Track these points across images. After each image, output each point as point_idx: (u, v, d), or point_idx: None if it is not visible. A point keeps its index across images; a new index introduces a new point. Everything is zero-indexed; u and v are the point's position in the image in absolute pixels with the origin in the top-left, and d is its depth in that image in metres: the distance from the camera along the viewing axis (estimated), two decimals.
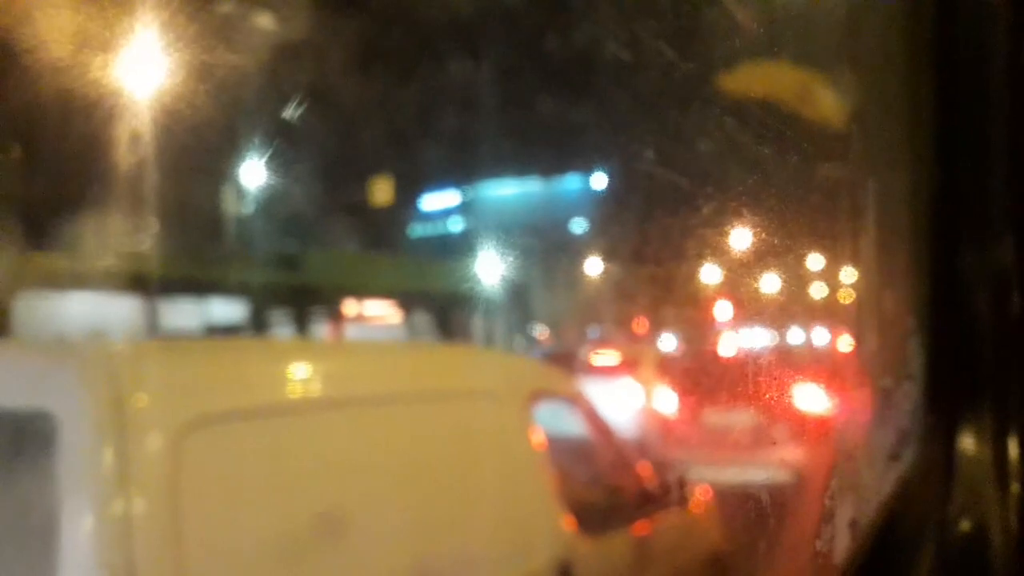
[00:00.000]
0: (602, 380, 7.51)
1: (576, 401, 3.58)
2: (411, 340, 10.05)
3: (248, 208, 10.51)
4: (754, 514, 3.76)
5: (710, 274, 10.45)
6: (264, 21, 7.82)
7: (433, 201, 27.01)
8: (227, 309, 8.55)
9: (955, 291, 1.57)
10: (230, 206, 10.27)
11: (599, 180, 24.45)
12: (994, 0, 1.54)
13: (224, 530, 1.94)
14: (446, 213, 26.43)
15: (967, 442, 1.51)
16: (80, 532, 1.75)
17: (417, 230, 25.32)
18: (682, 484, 3.76)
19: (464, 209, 26.48)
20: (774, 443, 6.16)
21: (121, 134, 6.29)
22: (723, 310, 12.63)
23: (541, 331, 14.75)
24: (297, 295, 9.22)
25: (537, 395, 3.06)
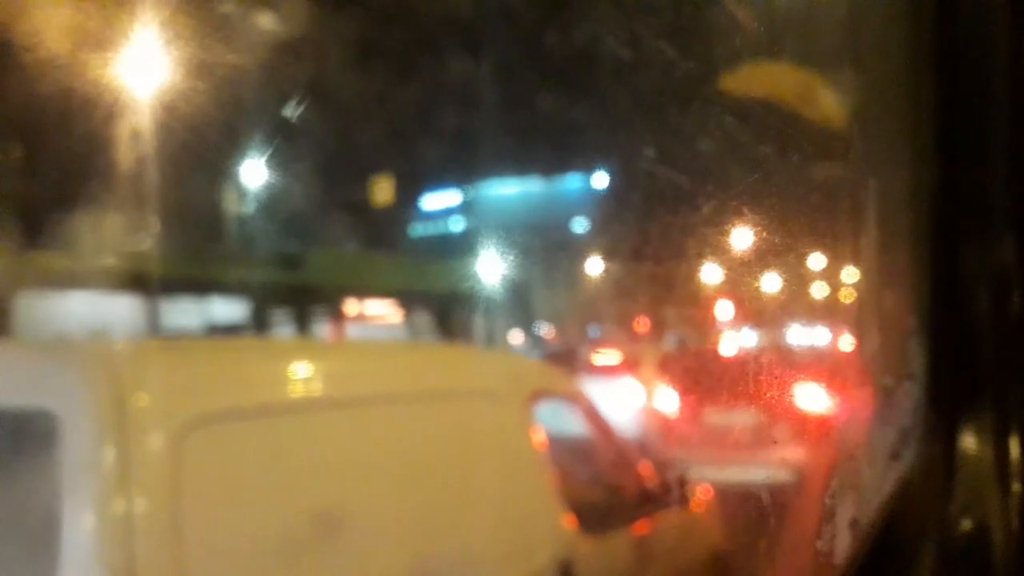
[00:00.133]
0: (603, 379, 7.52)
1: (577, 400, 3.58)
2: (412, 340, 10.05)
3: (249, 207, 10.52)
4: (755, 513, 3.76)
5: (711, 273, 10.46)
6: (265, 20, 7.82)
7: (434, 200, 27.02)
8: (228, 308, 8.55)
9: (956, 290, 1.57)
10: (231, 205, 10.27)
11: (600, 179, 24.46)
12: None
13: (225, 529, 1.94)
14: (447, 212, 26.43)
15: (968, 441, 1.51)
16: (81, 531, 1.75)
17: (418, 229, 25.32)
18: (683, 483, 3.76)
19: (465, 208, 26.49)
20: (775, 442, 6.16)
21: (122, 133, 6.29)
22: (724, 309, 12.64)
23: (547, 330, 14.75)
24: (298, 294, 9.22)
25: (538, 395, 3.06)
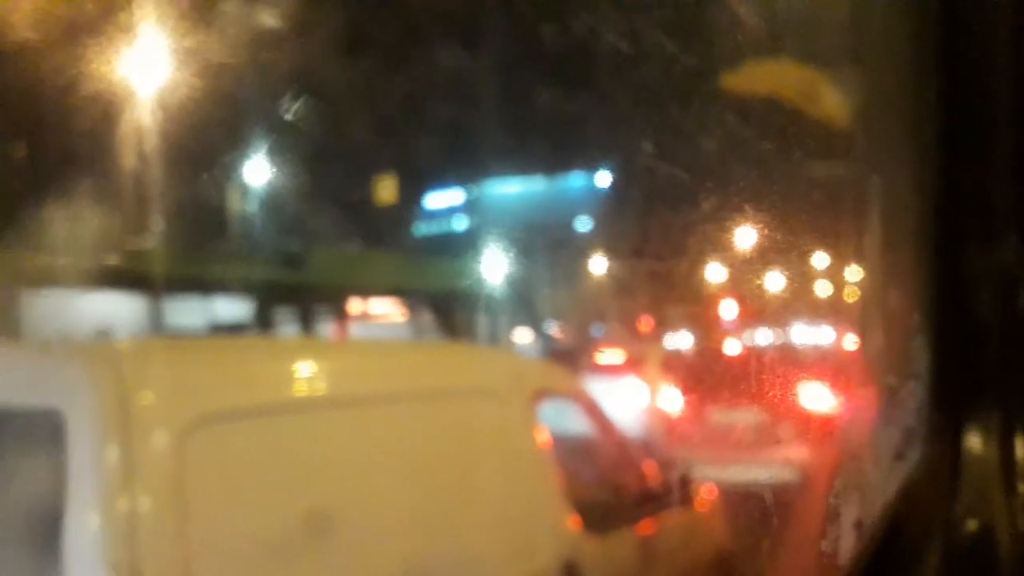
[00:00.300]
0: (607, 378, 7.50)
1: (580, 400, 3.58)
2: (415, 338, 10.05)
3: (252, 206, 10.53)
4: (759, 513, 3.76)
5: (715, 272, 10.44)
6: (268, 17, 7.82)
7: (437, 199, 27.00)
8: (232, 308, 8.56)
9: (960, 289, 1.57)
10: (234, 204, 10.28)
11: (604, 178, 24.42)
12: None
13: (228, 527, 1.94)
14: (450, 211, 26.41)
15: (973, 441, 1.51)
16: (85, 529, 1.76)
17: (421, 228, 25.30)
18: (687, 483, 3.75)
19: (468, 207, 26.46)
20: (779, 442, 6.15)
21: (123, 132, 6.30)
22: (728, 308, 12.62)
23: (550, 329, 14.72)
24: (301, 293, 9.23)
25: (541, 394, 3.06)
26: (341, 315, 10.14)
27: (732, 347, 11.49)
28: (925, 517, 1.58)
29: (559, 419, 3.31)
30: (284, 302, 9.08)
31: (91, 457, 1.80)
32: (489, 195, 26.42)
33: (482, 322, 11.49)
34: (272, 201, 10.52)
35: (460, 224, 25.63)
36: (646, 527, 3.42)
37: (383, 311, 11.04)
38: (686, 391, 7.71)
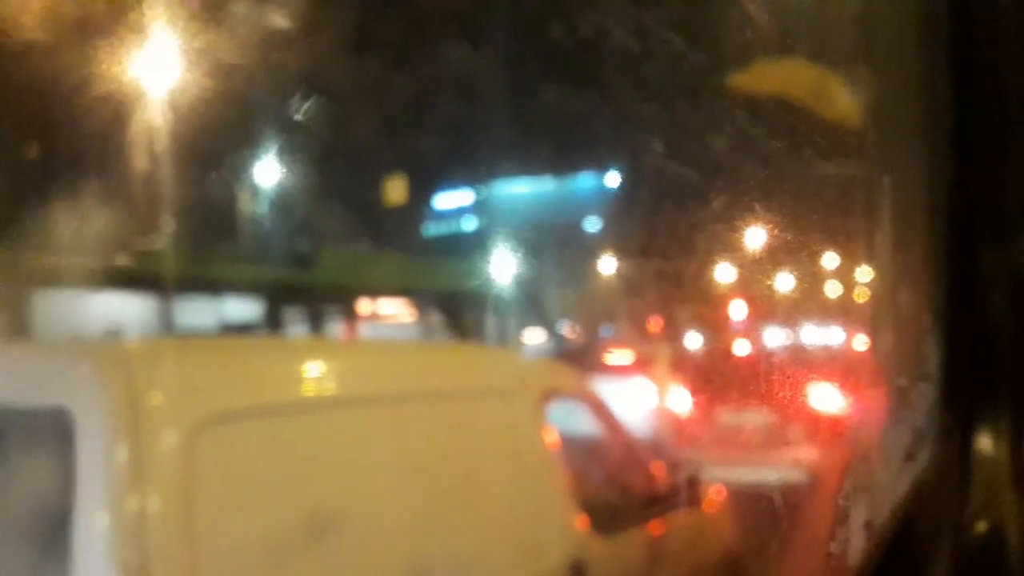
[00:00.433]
0: (615, 379, 7.49)
1: (589, 400, 3.58)
2: (424, 339, 10.06)
3: (262, 207, 10.56)
4: (768, 514, 3.74)
5: (725, 273, 10.41)
6: (279, 19, 7.84)
7: (446, 200, 27.02)
8: (241, 308, 8.59)
9: (972, 289, 1.55)
10: (244, 205, 10.31)
11: (613, 178, 24.39)
12: None
13: (237, 527, 1.95)
14: (459, 212, 26.42)
15: (984, 442, 1.50)
16: (94, 528, 1.76)
17: (431, 229, 25.33)
18: (695, 484, 3.74)
19: (477, 207, 26.46)
20: (788, 443, 6.13)
21: (135, 133, 6.33)
22: (738, 309, 12.58)
23: (559, 329, 14.69)
24: (311, 294, 9.25)
25: (550, 394, 3.05)
26: (350, 315, 10.16)
27: (741, 348, 11.45)
28: (935, 518, 1.57)
29: (567, 419, 3.30)
30: (293, 302, 9.11)
31: (100, 456, 1.80)
32: (498, 195, 26.42)
33: (491, 322, 11.49)
34: (282, 202, 10.55)
35: (469, 224, 25.63)
36: (654, 527, 3.41)
37: (392, 311, 11.05)
38: (695, 392, 7.69)
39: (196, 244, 8.08)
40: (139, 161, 6.36)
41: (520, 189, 26.50)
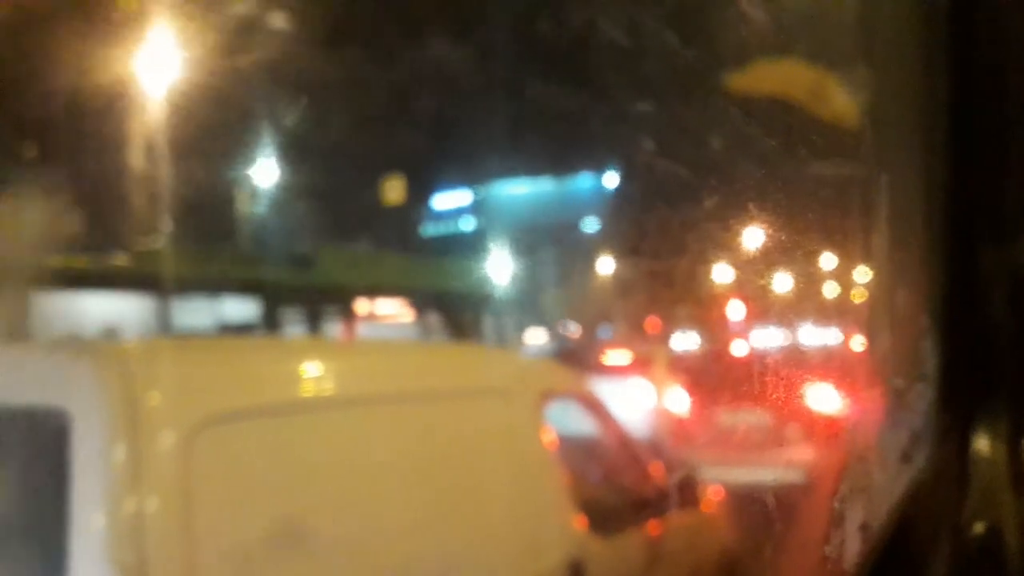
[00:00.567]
0: (614, 379, 7.49)
1: (587, 400, 3.58)
2: (423, 339, 10.06)
3: (261, 207, 10.56)
4: (765, 515, 3.74)
5: (723, 273, 10.42)
6: (279, 19, 7.83)
7: (445, 200, 27.03)
8: (240, 308, 8.58)
9: (970, 290, 1.55)
10: (243, 205, 10.30)
11: (611, 179, 24.40)
12: None
13: (236, 527, 1.95)
14: (458, 212, 26.44)
15: (982, 443, 1.50)
16: (92, 529, 1.76)
17: (429, 229, 25.35)
18: (693, 484, 3.74)
19: (476, 208, 26.48)
20: (786, 443, 6.13)
21: (133, 133, 6.32)
22: (736, 309, 12.60)
23: (558, 329, 14.69)
24: (309, 294, 9.24)
25: (548, 394, 3.05)
26: (349, 315, 10.16)
27: (739, 348, 11.46)
28: (932, 519, 1.57)
29: (565, 420, 3.30)
30: (292, 302, 9.10)
31: (98, 457, 1.80)
32: (496, 196, 26.43)
33: (489, 322, 11.49)
34: (280, 201, 10.55)
35: (467, 225, 25.65)
36: (652, 528, 3.41)
37: (390, 311, 11.05)
38: (693, 392, 7.70)
39: (194, 244, 8.07)
40: (137, 161, 6.35)
41: (518, 189, 26.51)
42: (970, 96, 1.56)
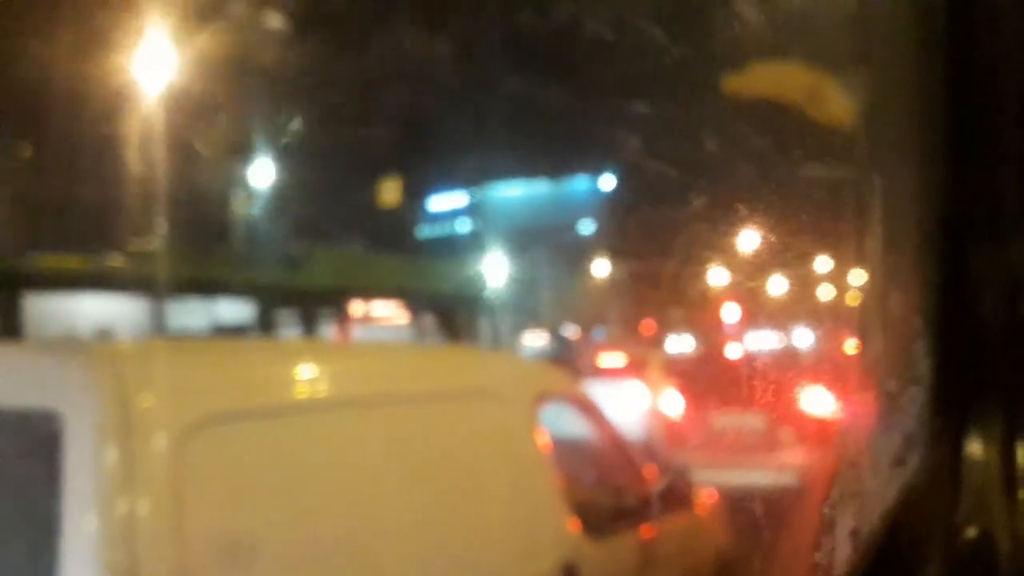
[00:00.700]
0: (608, 382, 7.49)
1: (581, 403, 3.58)
2: (417, 341, 10.05)
3: (255, 208, 10.54)
4: (759, 517, 3.75)
5: (718, 276, 10.44)
6: (276, 21, 7.83)
7: (440, 202, 27.03)
8: (234, 309, 8.57)
9: (964, 292, 1.55)
10: (237, 206, 10.29)
11: (607, 181, 24.42)
12: None
13: (228, 530, 1.94)
14: (453, 214, 26.44)
15: (975, 447, 1.50)
16: (84, 531, 1.75)
17: (424, 231, 25.33)
18: (687, 487, 3.75)
19: (471, 210, 26.48)
20: (780, 446, 6.14)
21: (128, 134, 6.31)
22: (730, 312, 12.61)
23: (557, 331, 14.68)
24: (304, 296, 9.24)
25: (542, 396, 3.05)
26: (343, 317, 10.15)
27: (733, 351, 11.48)
28: (925, 524, 1.57)
29: (560, 422, 3.30)
30: (286, 304, 9.10)
31: (90, 459, 1.79)
32: (492, 198, 26.44)
33: (484, 324, 11.49)
34: (275, 203, 10.53)
35: (463, 227, 25.65)
36: (646, 531, 3.41)
37: (385, 313, 11.05)
38: (687, 395, 7.70)
39: (189, 245, 8.06)
40: (132, 162, 6.34)
41: (514, 191, 26.53)
42: (965, 98, 1.56)
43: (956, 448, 1.50)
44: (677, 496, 3.62)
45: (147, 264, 7.01)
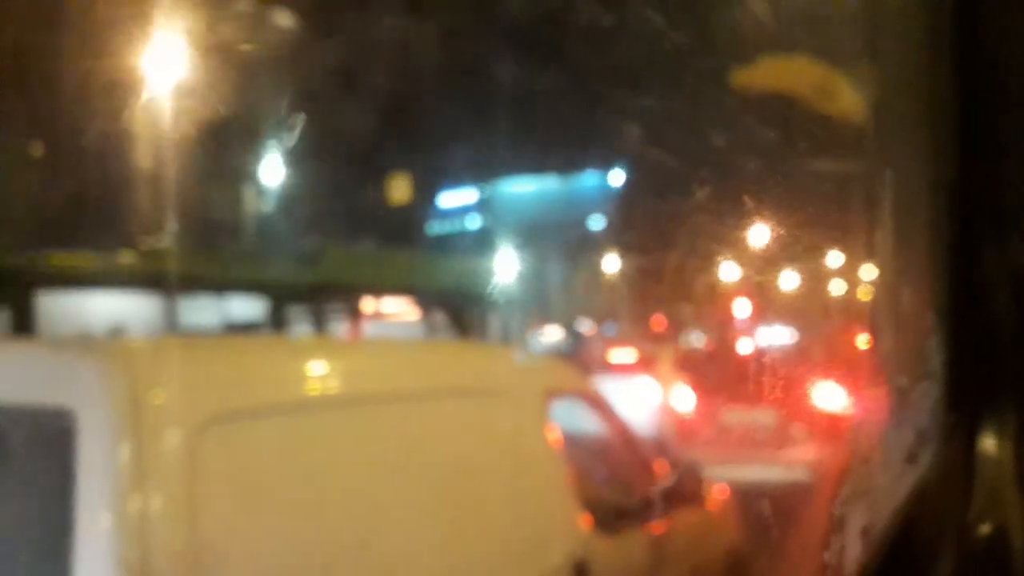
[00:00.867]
0: (620, 378, 7.49)
1: (592, 399, 3.57)
2: (428, 337, 10.06)
3: (266, 205, 10.57)
4: (770, 514, 3.74)
5: (728, 271, 10.40)
6: (285, 18, 7.84)
7: (451, 198, 27.02)
8: (246, 306, 8.60)
9: (975, 287, 1.55)
10: (248, 203, 10.32)
11: (617, 177, 24.36)
12: None
13: (241, 527, 1.95)
14: (464, 210, 26.43)
15: (988, 443, 1.49)
16: (97, 528, 1.76)
17: (435, 227, 25.34)
18: (699, 482, 3.74)
19: (482, 206, 26.47)
20: (791, 442, 6.12)
21: (139, 131, 6.34)
22: (741, 307, 12.57)
23: (569, 327, 14.66)
24: (315, 292, 9.25)
25: (553, 392, 3.05)
26: (354, 314, 10.17)
27: (745, 346, 11.45)
28: (938, 520, 1.56)
29: (571, 418, 3.30)
30: (297, 301, 9.12)
31: (103, 456, 1.80)
32: (502, 194, 26.42)
33: (495, 321, 11.49)
34: (286, 200, 10.56)
35: (473, 223, 25.64)
36: (657, 527, 3.41)
37: (396, 310, 11.07)
38: (698, 390, 7.69)
39: (201, 243, 8.09)
40: (143, 159, 6.36)
41: (524, 187, 26.49)
42: (976, 92, 1.55)
43: (969, 444, 1.50)
44: (688, 492, 3.61)
45: (159, 261, 7.04)
